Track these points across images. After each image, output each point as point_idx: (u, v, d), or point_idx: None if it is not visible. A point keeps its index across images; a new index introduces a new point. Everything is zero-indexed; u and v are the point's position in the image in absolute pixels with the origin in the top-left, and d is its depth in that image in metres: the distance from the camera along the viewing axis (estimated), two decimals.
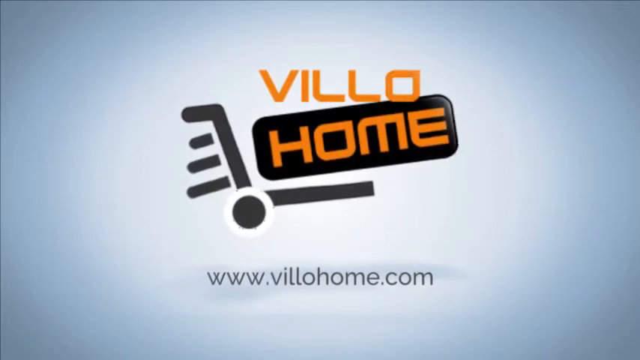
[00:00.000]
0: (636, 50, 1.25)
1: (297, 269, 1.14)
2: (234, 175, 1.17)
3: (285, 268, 1.14)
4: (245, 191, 1.17)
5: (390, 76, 1.20)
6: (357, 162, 1.18)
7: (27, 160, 1.20)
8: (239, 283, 1.14)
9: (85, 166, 1.19)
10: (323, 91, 1.20)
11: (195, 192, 1.16)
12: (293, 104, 1.19)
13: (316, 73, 1.20)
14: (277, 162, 1.18)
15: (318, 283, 1.13)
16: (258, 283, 1.13)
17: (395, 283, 1.13)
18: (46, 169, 1.19)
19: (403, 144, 1.18)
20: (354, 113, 1.19)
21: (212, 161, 1.18)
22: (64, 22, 1.24)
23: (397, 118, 1.19)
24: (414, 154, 1.18)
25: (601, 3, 1.24)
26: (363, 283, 1.14)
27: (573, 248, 1.18)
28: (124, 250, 1.15)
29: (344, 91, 1.20)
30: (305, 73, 1.20)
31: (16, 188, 1.19)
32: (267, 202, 1.16)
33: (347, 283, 1.14)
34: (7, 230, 1.17)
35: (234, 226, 1.16)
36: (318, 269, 1.14)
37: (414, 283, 1.14)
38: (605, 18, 1.25)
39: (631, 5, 1.25)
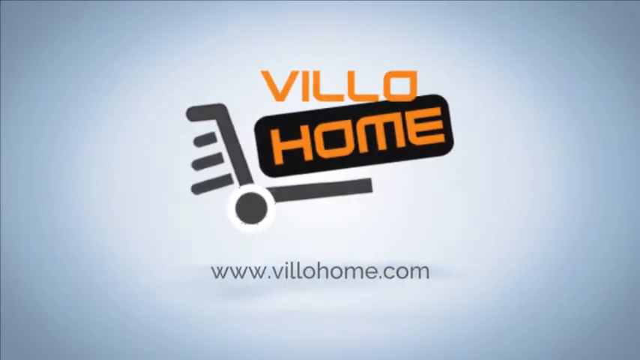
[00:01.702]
0: (636, 50, 1.25)
1: (298, 263, 1.16)
2: (236, 172, 1.19)
3: (286, 263, 1.16)
4: (247, 188, 1.19)
5: (388, 77, 1.22)
6: (355, 160, 1.20)
7: (28, 159, 1.22)
8: (242, 277, 1.16)
9: (87, 165, 1.21)
10: (323, 91, 1.22)
11: (199, 189, 1.19)
12: (294, 104, 1.22)
13: (316, 74, 1.23)
14: (278, 160, 1.20)
15: (318, 277, 1.15)
16: (260, 277, 1.16)
17: (392, 277, 1.15)
18: (47, 169, 1.21)
19: (401, 142, 1.20)
20: (353, 112, 1.21)
21: (215, 159, 1.20)
22: (65, 22, 1.26)
23: (395, 117, 1.21)
24: (411, 153, 1.20)
25: (601, 3, 1.25)
26: (362, 277, 1.15)
27: (573, 247, 1.18)
28: (127, 248, 1.17)
29: (343, 91, 1.22)
30: (305, 74, 1.22)
31: (17, 188, 1.20)
32: (268, 198, 1.19)
33: (346, 277, 1.15)
34: (7, 230, 1.19)
35: (237, 221, 1.18)
36: (318, 264, 1.16)
37: (411, 277, 1.15)
38: (606, 18, 1.26)
39: (631, 5, 1.26)
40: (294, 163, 1.19)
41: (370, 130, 1.20)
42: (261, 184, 1.19)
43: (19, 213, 1.20)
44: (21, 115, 1.23)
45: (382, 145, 1.20)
